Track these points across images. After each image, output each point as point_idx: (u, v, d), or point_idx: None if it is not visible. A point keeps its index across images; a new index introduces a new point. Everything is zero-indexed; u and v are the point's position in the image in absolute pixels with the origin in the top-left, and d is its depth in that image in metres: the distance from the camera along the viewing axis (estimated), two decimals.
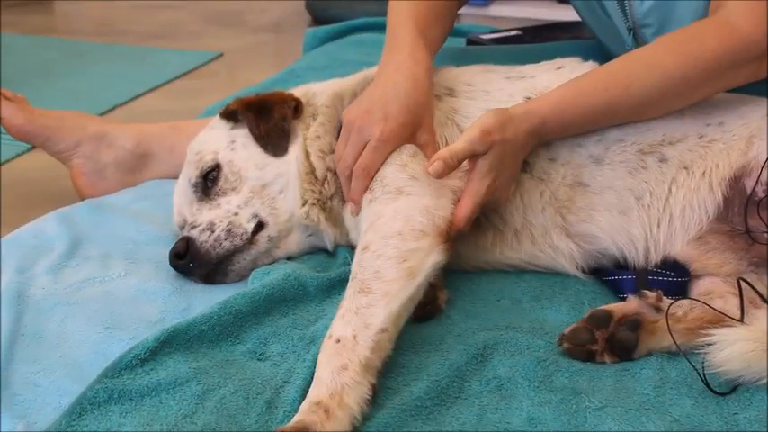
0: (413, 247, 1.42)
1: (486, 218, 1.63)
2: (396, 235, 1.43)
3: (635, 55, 1.63)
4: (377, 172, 1.57)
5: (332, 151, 1.69)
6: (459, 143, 1.51)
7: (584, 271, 1.63)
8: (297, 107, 1.75)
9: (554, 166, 1.62)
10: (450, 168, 1.50)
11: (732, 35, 1.56)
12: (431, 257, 1.43)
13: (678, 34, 1.62)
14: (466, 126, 1.63)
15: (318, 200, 1.69)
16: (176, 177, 1.83)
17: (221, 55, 3.82)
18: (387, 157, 1.58)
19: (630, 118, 1.61)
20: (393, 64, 1.66)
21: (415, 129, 1.60)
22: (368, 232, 1.47)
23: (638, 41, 1.86)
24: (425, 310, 1.50)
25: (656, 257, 1.58)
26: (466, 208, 1.52)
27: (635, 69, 1.59)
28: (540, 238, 1.63)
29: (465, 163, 1.53)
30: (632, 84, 1.58)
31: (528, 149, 1.59)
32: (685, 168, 1.58)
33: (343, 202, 1.68)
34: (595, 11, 1.96)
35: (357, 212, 1.60)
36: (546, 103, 1.58)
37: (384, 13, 1.83)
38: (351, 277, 1.41)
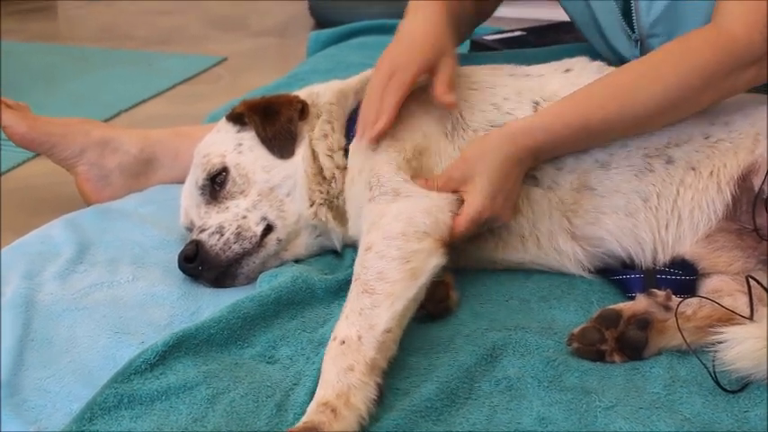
0: (415, 249, 1.43)
1: (491, 230, 1.63)
2: (399, 236, 1.44)
3: (632, 69, 1.62)
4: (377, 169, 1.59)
5: (340, 149, 1.71)
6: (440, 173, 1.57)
7: (590, 272, 1.63)
8: (303, 109, 1.75)
9: (561, 174, 1.61)
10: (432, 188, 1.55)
11: (728, 41, 1.54)
12: (433, 259, 1.44)
13: (674, 45, 1.60)
14: (468, 116, 1.67)
15: (326, 199, 1.69)
16: (181, 182, 1.83)
17: (225, 59, 3.82)
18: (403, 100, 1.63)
19: (630, 132, 1.60)
20: (409, 15, 1.75)
21: (435, 59, 1.65)
22: (370, 232, 1.47)
23: (645, 53, 1.85)
24: (439, 307, 1.50)
25: (664, 258, 1.58)
26: (461, 223, 1.53)
27: (632, 84, 1.58)
28: (546, 242, 1.62)
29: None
30: (630, 99, 1.57)
31: (524, 168, 1.58)
32: (693, 169, 1.58)
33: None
34: (584, 16, 1.96)
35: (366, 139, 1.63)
36: (540, 123, 1.58)
37: (387, 16, 1.84)
38: (354, 278, 1.41)
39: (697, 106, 1.58)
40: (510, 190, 1.57)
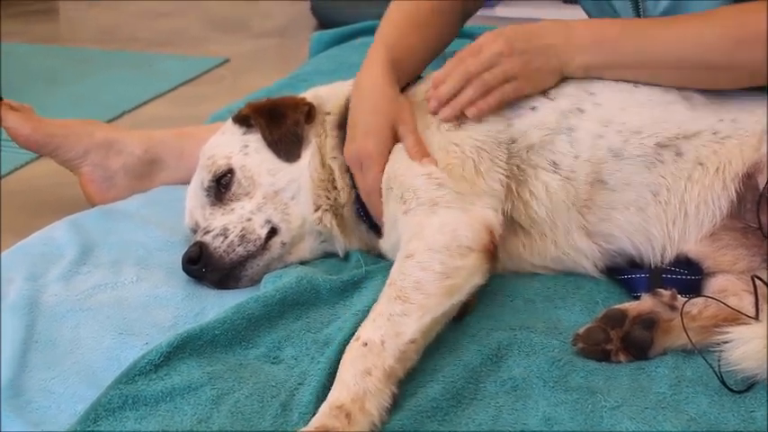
0: (458, 265, 1.42)
1: (513, 219, 1.61)
2: (443, 249, 1.43)
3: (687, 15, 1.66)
4: (406, 182, 1.57)
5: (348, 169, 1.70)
6: None
7: (601, 271, 1.62)
8: (309, 112, 1.74)
9: (578, 163, 1.60)
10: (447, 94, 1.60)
11: None
12: (474, 279, 1.44)
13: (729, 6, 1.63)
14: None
15: (332, 206, 1.69)
16: (185, 183, 1.83)
17: (227, 60, 3.83)
18: (384, 167, 1.61)
19: (672, 62, 1.62)
20: (354, 84, 1.74)
21: (392, 125, 1.63)
22: (412, 241, 1.46)
23: None
24: (460, 312, 1.49)
25: (670, 255, 1.57)
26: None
27: (685, 18, 1.63)
28: (563, 239, 1.61)
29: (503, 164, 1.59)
30: (676, 25, 1.61)
31: (551, 62, 1.63)
32: (700, 164, 1.57)
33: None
34: (606, 14, 1.95)
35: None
36: (581, 23, 1.67)
37: None
38: (388, 283, 1.41)
39: (734, 73, 1.61)
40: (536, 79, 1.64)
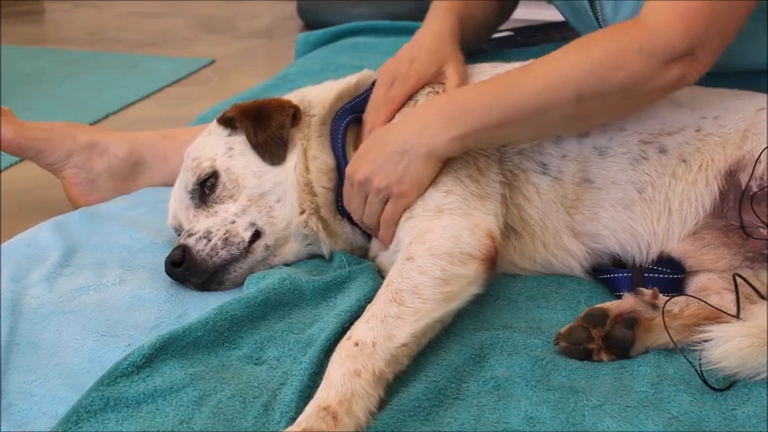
0: (458, 273, 1.43)
1: (507, 224, 1.62)
2: (444, 255, 1.43)
3: (540, 59, 1.57)
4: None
5: (329, 170, 1.70)
6: None
7: (587, 272, 1.63)
8: (295, 114, 1.73)
9: (565, 163, 1.61)
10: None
11: (636, 29, 1.47)
12: (471, 288, 1.44)
13: (597, 32, 1.56)
14: None
15: (316, 209, 1.69)
16: (170, 185, 1.82)
17: (213, 61, 3.82)
18: None
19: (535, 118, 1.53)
20: (427, 17, 1.86)
21: (437, 71, 1.72)
22: (414, 244, 1.46)
23: None
24: None
25: (655, 252, 1.58)
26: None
27: (530, 68, 1.54)
28: (552, 241, 1.62)
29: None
30: (525, 82, 1.52)
31: (417, 153, 1.54)
32: (684, 161, 1.58)
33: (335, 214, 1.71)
34: (578, 11, 1.96)
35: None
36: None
37: (376, 17, 1.84)
38: (385, 283, 1.41)
39: (611, 95, 1.50)
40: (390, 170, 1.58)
